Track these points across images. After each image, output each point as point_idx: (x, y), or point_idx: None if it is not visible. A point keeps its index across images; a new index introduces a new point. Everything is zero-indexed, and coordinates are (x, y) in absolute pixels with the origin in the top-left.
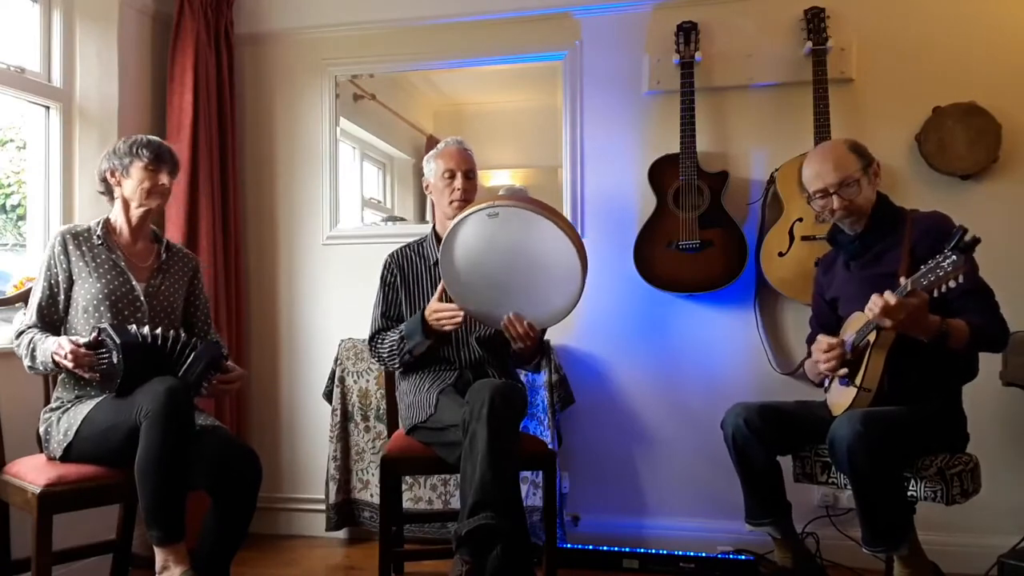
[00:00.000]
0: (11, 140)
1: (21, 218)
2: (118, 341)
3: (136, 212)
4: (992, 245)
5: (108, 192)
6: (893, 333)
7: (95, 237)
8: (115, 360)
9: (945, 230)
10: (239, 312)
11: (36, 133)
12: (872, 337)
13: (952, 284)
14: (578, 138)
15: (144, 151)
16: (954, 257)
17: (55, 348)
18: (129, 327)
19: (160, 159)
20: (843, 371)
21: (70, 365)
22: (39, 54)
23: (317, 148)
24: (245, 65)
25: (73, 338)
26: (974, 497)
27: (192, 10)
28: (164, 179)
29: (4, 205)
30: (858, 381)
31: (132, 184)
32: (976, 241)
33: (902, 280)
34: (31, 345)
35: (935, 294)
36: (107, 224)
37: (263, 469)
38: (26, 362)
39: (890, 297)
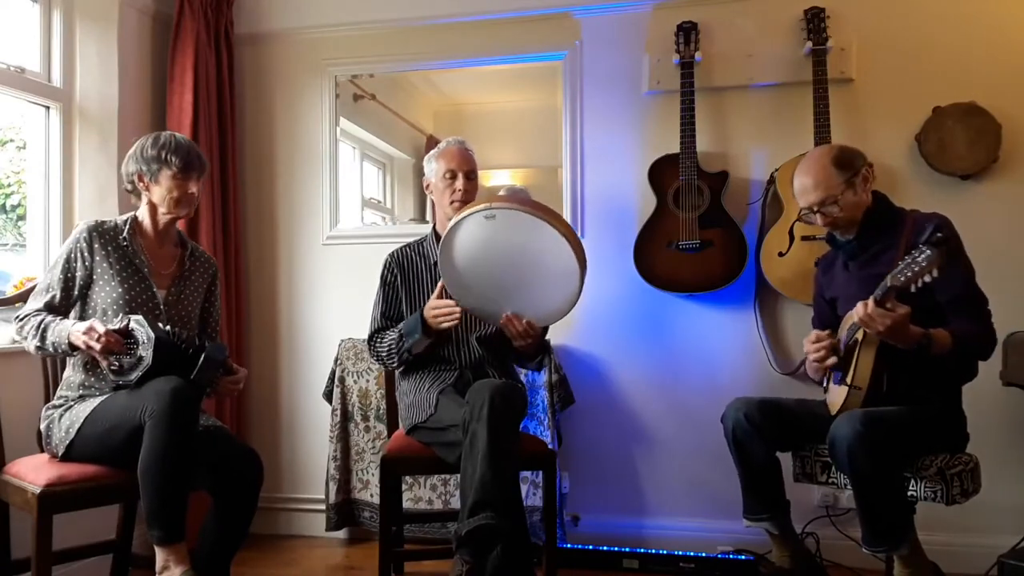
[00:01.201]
0: (11, 140)
1: (21, 218)
2: (152, 335)
3: (164, 218)
4: (992, 245)
5: (135, 192)
6: None
7: (121, 238)
8: (142, 353)
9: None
10: (239, 312)
11: (36, 133)
12: (860, 336)
13: (927, 279)
14: (578, 138)
15: (173, 158)
16: (928, 252)
17: (83, 328)
18: (158, 323)
19: (189, 167)
20: (831, 360)
21: (98, 347)
22: (39, 54)
23: (317, 148)
24: (245, 65)
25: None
26: (974, 497)
27: (192, 10)
28: (193, 188)
29: (4, 205)
30: (848, 379)
31: (161, 192)
32: (943, 239)
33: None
34: (41, 326)
35: (912, 289)
36: (135, 223)
37: (263, 469)
38: (32, 343)
39: (871, 306)
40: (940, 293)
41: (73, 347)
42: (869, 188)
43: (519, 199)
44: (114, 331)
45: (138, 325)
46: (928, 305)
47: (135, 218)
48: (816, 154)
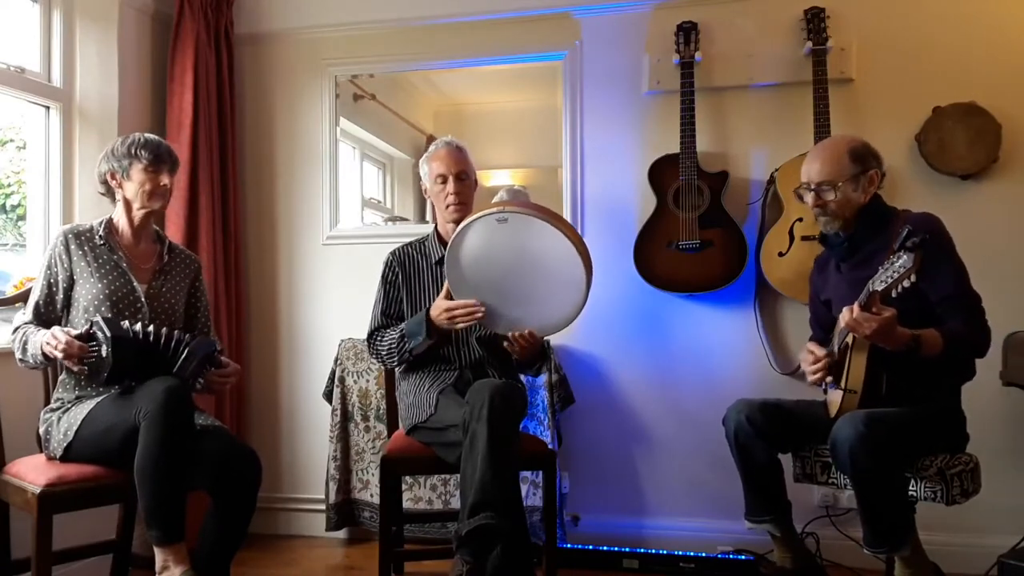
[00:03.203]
0: (11, 140)
1: (21, 218)
2: (108, 335)
3: (138, 213)
4: (992, 245)
5: (109, 194)
6: None
7: (97, 237)
8: (104, 354)
9: (932, 232)
10: (239, 312)
11: (36, 133)
12: (851, 340)
13: (907, 284)
14: (578, 138)
15: (143, 152)
16: (904, 257)
17: (47, 339)
18: (122, 323)
19: (159, 159)
20: (829, 379)
21: (60, 355)
22: (39, 54)
23: (317, 148)
24: (245, 65)
25: (66, 329)
26: (974, 497)
27: (192, 10)
28: (165, 179)
29: (4, 205)
30: (843, 384)
31: (133, 186)
32: (918, 243)
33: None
34: (23, 338)
35: (893, 294)
36: (110, 224)
37: (263, 469)
38: (17, 355)
39: (856, 311)
40: (932, 293)
41: (47, 357)
42: (870, 191)
43: (530, 205)
44: (76, 335)
45: (99, 329)
46: (921, 306)
47: (110, 219)
48: (838, 138)
